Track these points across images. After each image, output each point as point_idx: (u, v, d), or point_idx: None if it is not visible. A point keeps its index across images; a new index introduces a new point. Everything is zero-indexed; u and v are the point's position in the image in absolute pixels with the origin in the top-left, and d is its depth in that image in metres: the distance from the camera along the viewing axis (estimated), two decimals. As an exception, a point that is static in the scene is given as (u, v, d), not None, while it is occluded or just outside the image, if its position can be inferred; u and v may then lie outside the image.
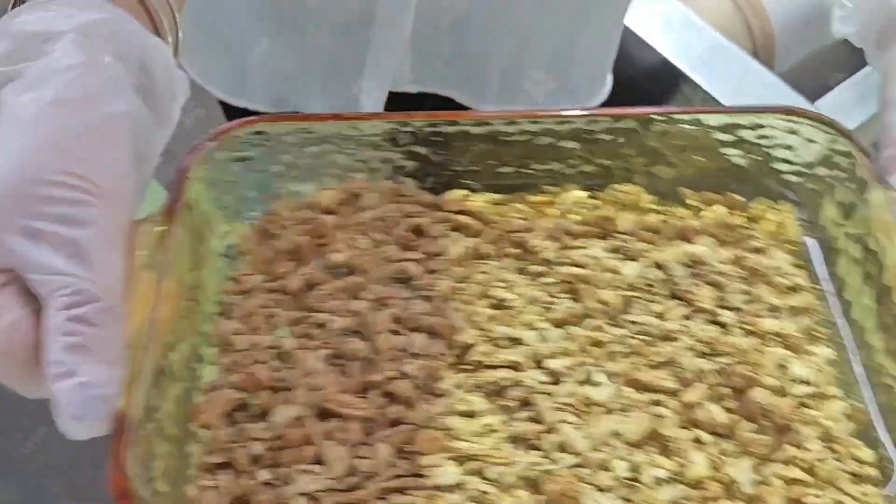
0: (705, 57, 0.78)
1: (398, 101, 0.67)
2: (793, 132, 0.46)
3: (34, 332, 0.32)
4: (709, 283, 0.44)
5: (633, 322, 0.42)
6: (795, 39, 0.81)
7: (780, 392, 0.40)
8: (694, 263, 0.45)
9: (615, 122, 0.46)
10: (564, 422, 0.39)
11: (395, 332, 0.41)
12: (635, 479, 0.37)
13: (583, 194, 0.47)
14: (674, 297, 0.43)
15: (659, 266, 0.44)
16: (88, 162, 0.33)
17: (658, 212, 0.47)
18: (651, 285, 0.44)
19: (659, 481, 0.37)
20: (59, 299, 0.32)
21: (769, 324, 0.43)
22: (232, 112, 0.77)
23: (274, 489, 0.36)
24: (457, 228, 0.46)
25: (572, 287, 0.43)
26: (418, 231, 0.45)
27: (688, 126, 0.46)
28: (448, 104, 0.68)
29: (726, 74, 0.76)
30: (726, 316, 0.43)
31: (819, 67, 0.81)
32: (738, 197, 0.47)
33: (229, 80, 0.70)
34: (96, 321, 0.32)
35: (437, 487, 0.36)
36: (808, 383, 0.41)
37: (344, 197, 0.46)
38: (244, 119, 0.44)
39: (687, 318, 0.43)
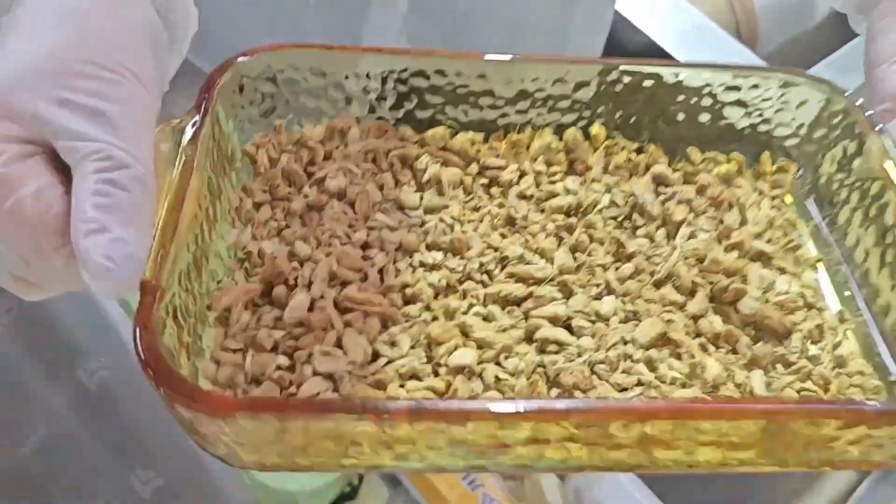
0: (689, 38, 0.80)
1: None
2: (789, 94, 0.48)
3: (63, 200, 0.32)
4: (680, 203, 0.46)
5: (625, 244, 0.44)
6: (778, 23, 0.84)
7: (768, 302, 0.42)
8: (663, 188, 0.47)
9: (617, 73, 0.48)
10: (581, 327, 0.40)
11: (411, 251, 0.42)
12: (653, 379, 0.38)
13: (554, 138, 0.48)
14: (652, 218, 0.46)
15: (632, 194, 0.46)
16: (120, 50, 0.34)
17: (631, 151, 0.49)
18: (629, 212, 0.46)
19: (675, 380, 0.38)
20: (91, 164, 0.32)
21: (750, 242, 0.45)
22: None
23: (292, 372, 0.37)
24: (441, 163, 0.47)
25: (566, 217, 0.45)
26: (405, 162, 0.47)
27: (689, 82, 0.48)
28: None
29: (709, 55, 0.79)
30: (704, 233, 0.45)
31: (801, 50, 0.84)
32: (741, 156, 0.50)
33: (217, 57, 0.71)
34: (128, 186, 0.32)
35: (455, 370, 0.37)
36: (790, 294, 0.43)
37: (330, 132, 0.47)
38: (271, 45, 0.45)
39: (669, 235, 0.45)
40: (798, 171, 0.50)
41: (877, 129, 0.45)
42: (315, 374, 0.36)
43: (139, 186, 0.32)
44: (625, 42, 0.82)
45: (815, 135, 0.49)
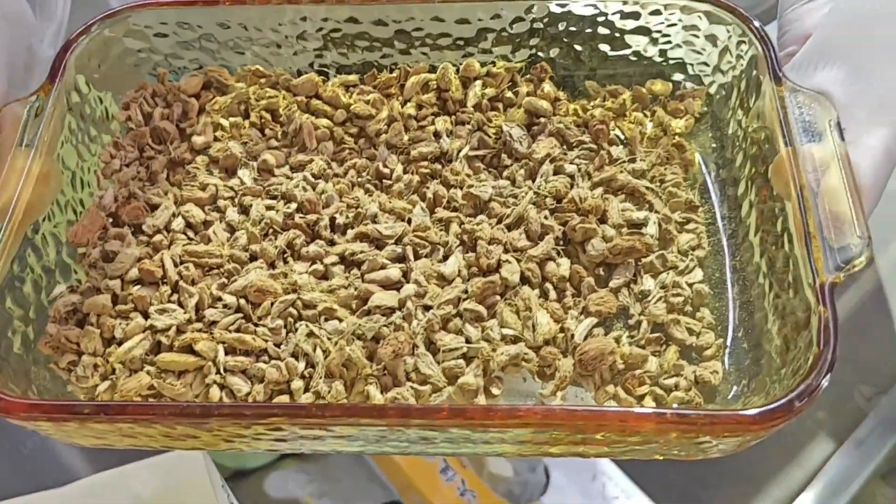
0: None
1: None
2: (700, 21, 0.45)
3: None
4: (550, 135, 0.45)
5: (479, 195, 0.43)
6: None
7: (616, 239, 0.41)
8: (536, 120, 0.46)
9: (511, 8, 0.45)
10: (418, 284, 0.40)
11: (269, 208, 0.43)
12: (480, 338, 0.39)
13: (429, 76, 0.47)
14: (519, 157, 0.44)
15: (501, 130, 0.45)
16: None
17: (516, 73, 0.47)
18: (500, 150, 0.45)
19: (504, 337, 0.39)
20: None
21: (621, 177, 0.43)
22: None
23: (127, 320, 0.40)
24: (310, 112, 0.47)
25: (430, 168, 0.44)
26: (273, 113, 0.47)
27: (588, 12, 0.46)
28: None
29: None
30: (570, 167, 0.43)
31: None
32: (643, 89, 0.47)
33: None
34: None
35: (272, 330, 0.39)
36: (646, 233, 0.41)
37: (206, 82, 0.47)
38: (137, 3, 0.46)
39: (532, 174, 0.44)
40: (705, 104, 0.46)
41: (774, 70, 0.40)
42: (144, 330, 0.39)
43: None
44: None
45: (721, 66, 0.45)
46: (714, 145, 0.46)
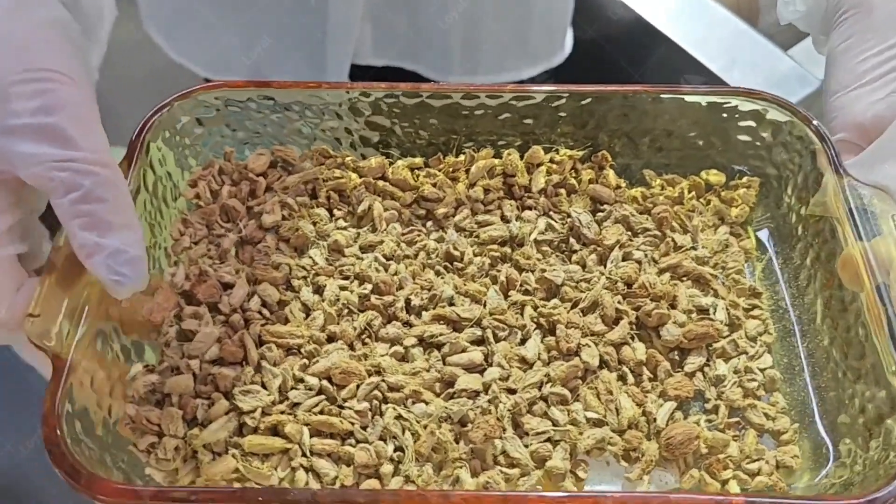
0: (681, 13, 0.76)
1: (366, 76, 0.70)
2: (756, 114, 0.46)
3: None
4: (616, 222, 0.46)
5: (558, 273, 0.44)
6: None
7: (689, 324, 0.42)
8: (601, 207, 0.47)
9: (571, 98, 0.47)
10: (501, 367, 0.40)
11: (342, 288, 0.44)
12: (567, 422, 0.39)
13: (495, 161, 0.48)
14: (587, 242, 0.45)
15: (568, 216, 0.46)
16: (42, 54, 0.36)
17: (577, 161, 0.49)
18: (567, 235, 0.46)
19: (589, 420, 0.39)
20: (59, 185, 0.34)
21: (688, 264, 0.44)
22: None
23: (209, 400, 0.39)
24: (377, 193, 0.47)
25: (500, 252, 0.45)
26: (341, 194, 0.47)
27: (648, 105, 0.47)
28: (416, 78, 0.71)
29: (702, 31, 0.74)
30: (642, 252, 0.45)
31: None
32: (699, 178, 0.49)
33: (209, 59, 0.73)
34: (99, 195, 0.34)
35: (358, 413, 0.38)
36: (716, 319, 0.42)
37: (273, 161, 0.48)
38: (209, 83, 0.46)
39: (602, 259, 0.45)
40: (760, 194, 0.48)
41: (836, 164, 0.42)
42: (227, 412, 0.38)
43: (109, 191, 0.35)
44: (609, 15, 0.78)
45: (777, 159, 0.47)
46: (771, 233, 0.47)
